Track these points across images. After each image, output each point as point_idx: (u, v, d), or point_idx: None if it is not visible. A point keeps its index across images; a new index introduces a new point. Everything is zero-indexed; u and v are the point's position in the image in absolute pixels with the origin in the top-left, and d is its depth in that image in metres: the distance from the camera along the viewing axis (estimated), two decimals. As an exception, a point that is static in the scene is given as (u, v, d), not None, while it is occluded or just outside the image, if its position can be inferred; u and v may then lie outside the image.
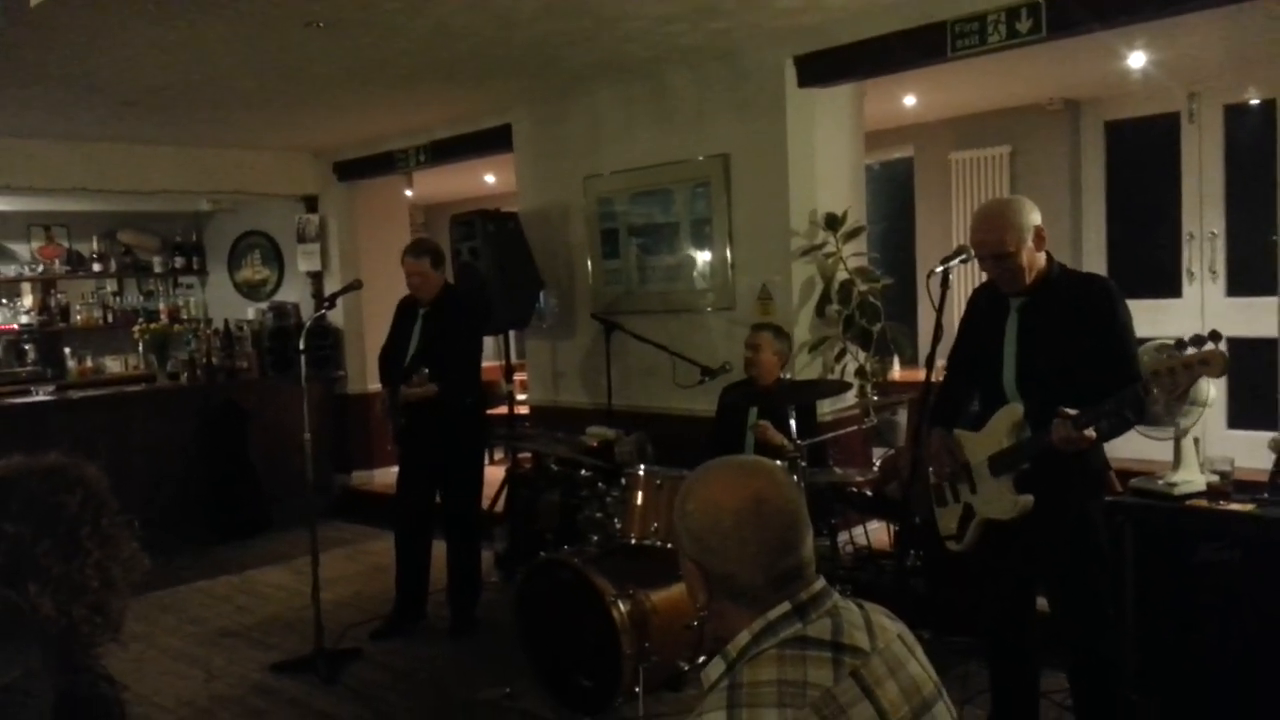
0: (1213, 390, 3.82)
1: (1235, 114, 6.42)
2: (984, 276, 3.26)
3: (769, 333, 4.70)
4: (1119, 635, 3.28)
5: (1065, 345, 3.03)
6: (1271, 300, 6.19)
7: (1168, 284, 6.64)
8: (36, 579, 1.52)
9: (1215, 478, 3.64)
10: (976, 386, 3.33)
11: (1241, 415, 6.17)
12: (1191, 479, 3.68)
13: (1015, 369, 3.11)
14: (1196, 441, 3.77)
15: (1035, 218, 3.06)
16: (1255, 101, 6.31)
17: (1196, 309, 6.58)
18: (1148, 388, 2.82)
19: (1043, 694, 3.44)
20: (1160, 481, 3.72)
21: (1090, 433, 2.87)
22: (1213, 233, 6.49)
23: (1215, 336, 2.79)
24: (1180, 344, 2.85)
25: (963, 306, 3.49)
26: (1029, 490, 3.07)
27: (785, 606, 1.46)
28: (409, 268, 4.95)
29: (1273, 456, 3.90)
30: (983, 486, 3.19)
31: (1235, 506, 3.51)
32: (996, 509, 3.14)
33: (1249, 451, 4.83)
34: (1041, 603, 3.29)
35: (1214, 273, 6.51)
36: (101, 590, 1.58)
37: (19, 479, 1.57)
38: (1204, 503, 3.59)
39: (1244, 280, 6.42)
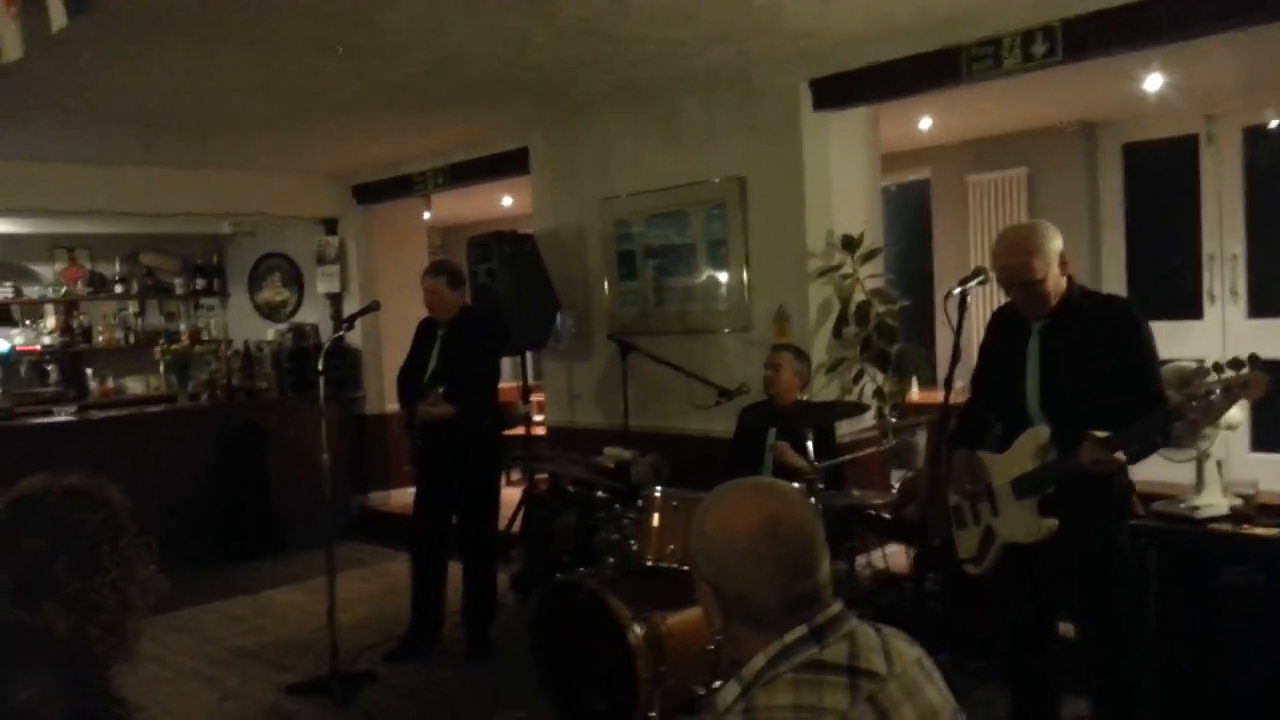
0: (1239, 413, 3.79)
1: (1253, 136, 6.39)
2: (1003, 298, 3.25)
3: (790, 353, 4.70)
4: (1143, 660, 3.24)
5: (1088, 367, 3.00)
6: (1294, 322, 6.14)
7: (1188, 306, 6.60)
8: (52, 596, 1.52)
9: (1238, 501, 3.60)
10: (997, 409, 3.31)
11: (1265, 438, 6.11)
12: (1214, 502, 3.63)
13: (1039, 391, 3.09)
14: (1219, 464, 3.73)
15: (1059, 242, 3.05)
16: (1274, 124, 6.28)
17: (1218, 331, 6.53)
18: (1181, 411, 2.75)
19: None
20: (1182, 505, 3.68)
21: (1120, 455, 2.84)
22: (1233, 254, 6.45)
23: (1255, 360, 2.71)
24: (1217, 367, 2.78)
25: (981, 328, 3.48)
26: (1053, 513, 3.03)
27: (802, 630, 1.45)
28: (425, 285, 4.98)
29: (1296, 480, 3.86)
30: (1005, 509, 3.14)
31: (1259, 530, 3.47)
32: (1020, 532, 3.09)
33: (1273, 475, 4.77)
34: (1064, 628, 3.25)
35: (1235, 294, 6.47)
36: (117, 611, 1.58)
37: (41, 496, 1.58)
38: (1227, 526, 3.55)
39: (1266, 301, 6.37)
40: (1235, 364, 2.72)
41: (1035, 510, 3.05)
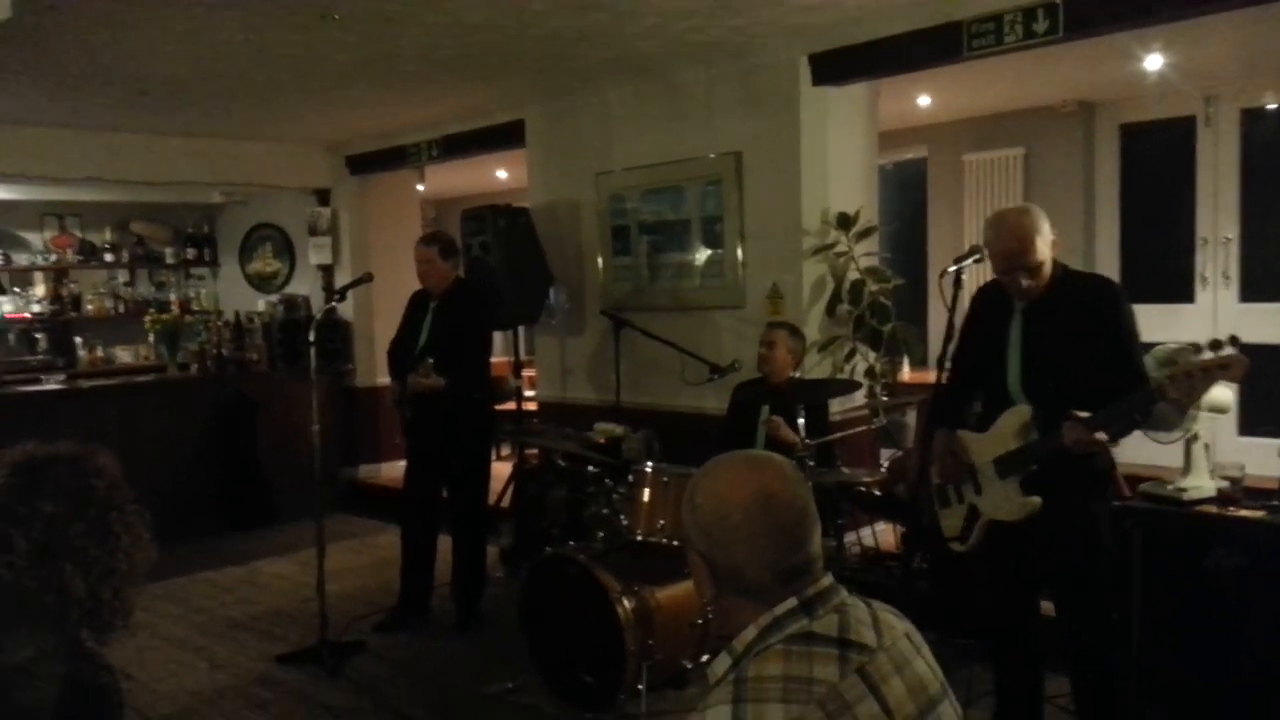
0: (1229, 397, 3.80)
1: (1251, 118, 6.38)
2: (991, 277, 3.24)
3: (785, 331, 4.71)
4: (1121, 637, 3.28)
5: (1070, 347, 3.02)
6: (1285, 307, 6.15)
7: (1181, 289, 6.61)
8: (72, 559, 1.53)
9: (1225, 484, 3.62)
10: (978, 388, 3.32)
11: (1253, 422, 6.13)
12: (1201, 485, 3.66)
13: (1020, 371, 3.11)
14: (1207, 447, 3.74)
15: (1049, 225, 3.07)
16: (1272, 106, 6.27)
17: (1209, 314, 6.54)
18: (1163, 392, 2.77)
19: (1047, 698, 3.42)
20: (1170, 487, 3.70)
21: (1102, 435, 2.86)
22: (1227, 238, 6.45)
23: (1234, 341, 2.74)
24: (1197, 348, 2.81)
25: None
26: (1035, 492, 3.06)
27: (792, 602, 1.45)
28: (418, 255, 4.97)
29: (1284, 463, 3.88)
30: (988, 488, 3.17)
31: (1245, 513, 3.49)
32: (1003, 511, 3.12)
33: (1260, 458, 4.78)
34: (1046, 606, 3.27)
35: (1227, 278, 6.47)
36: (126, 575, 1.60)
37: (49, 462, 1.59)
38: (1214, 509, 3.57)
39: (1258, 286, 6.38)
40: (1215, 345, 2.75)
41: (1018, 489, 3.08)
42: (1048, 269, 3.04)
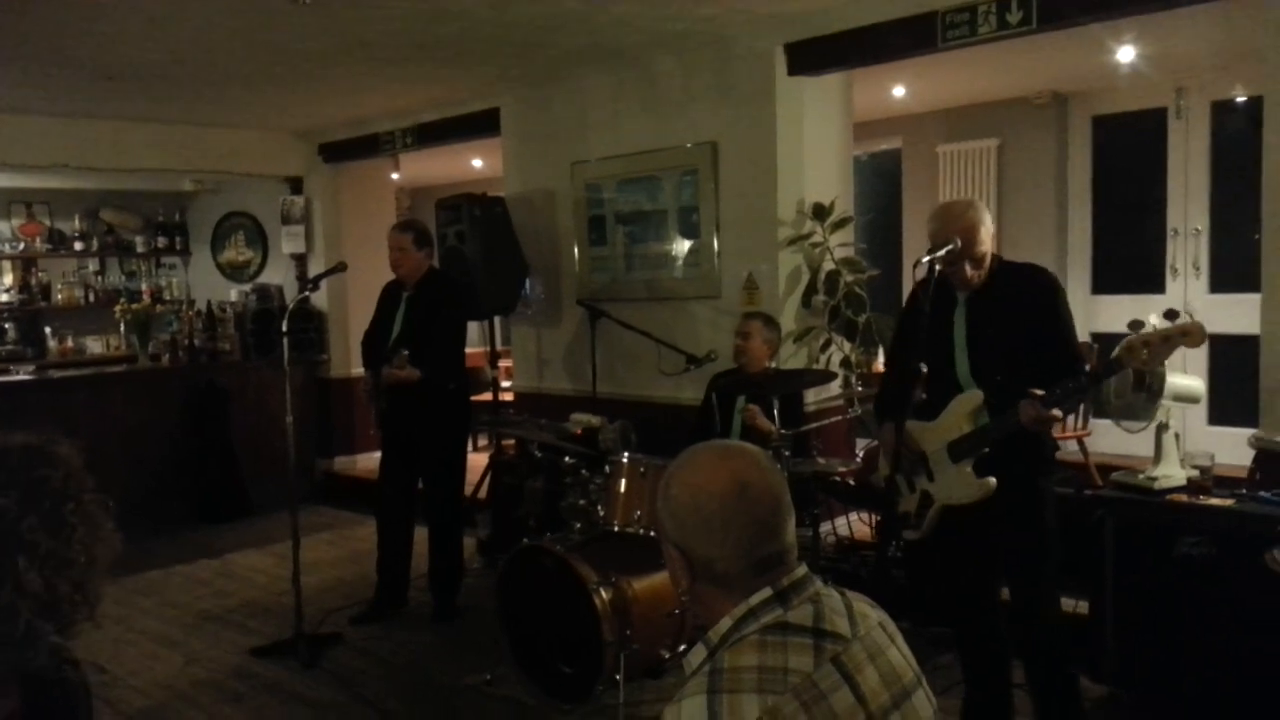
0: (1201, 386, 3.84)
1: (1222, 110, 6.44)
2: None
3: (760, 321, 4.72)
4: (1061, 612, 3.34)
5: (1012, 334, 3.11)
6: (1254, 297, 6.17)
7: (1151, 280, 6.67)
8: (25, 552, 1.50)
9: (1195, 473, 3.66)
10: (916, 377, 3.36)
11: (1222, 412, 6.21)
12: (1172, 474, 3.70)
13: (968, 358, 3.18)
14: (1177, 437, 3.79)
15: (990, 216, 3.18)
16: (1242, 98, 6.33)
17: (1180, 305, 6.57)
18: (1121, 361, 2.86)
19: (1017, 685, 3.44)
20: (1141, 476, 3.74)
21: (1056, 412, 2.96)
22: (1197, 229, 6.52)
23: (1172, 314, 2.81)
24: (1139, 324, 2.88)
25: None
26: (987, 474, 3.12)
27: (767, 592, 1.46)
28: (391, 241, 4.94)
29: (1252, 453, 3.93)
30: (941, 474, 3.23)
31: (1215, 501, 3.54)
32: (959, 494, 3.18)
33: (1230, 448, 4.86)
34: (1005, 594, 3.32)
35: (1197, 269, 6.54)
36: (85, 567, 1.57)
37: (1, 454, 1.56)
38: (1184, 497, 3.62)
39: (1227, 277, 6.45)
40: (1172, 314, 2.81)
41: (972, 471, 3.14)
42: (988, 260, 3.15)
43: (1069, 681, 3.23)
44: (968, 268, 3.12)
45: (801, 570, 1.50)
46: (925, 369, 3.27)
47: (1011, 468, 3.11)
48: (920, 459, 3.28)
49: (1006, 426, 3.04)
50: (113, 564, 1.63)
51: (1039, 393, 2.93)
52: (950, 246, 3.24)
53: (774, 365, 4.84)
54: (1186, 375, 3.93)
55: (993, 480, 3.10)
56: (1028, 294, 3.15)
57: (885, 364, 3.46)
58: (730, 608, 1.47)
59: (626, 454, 4.21)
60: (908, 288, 7.40)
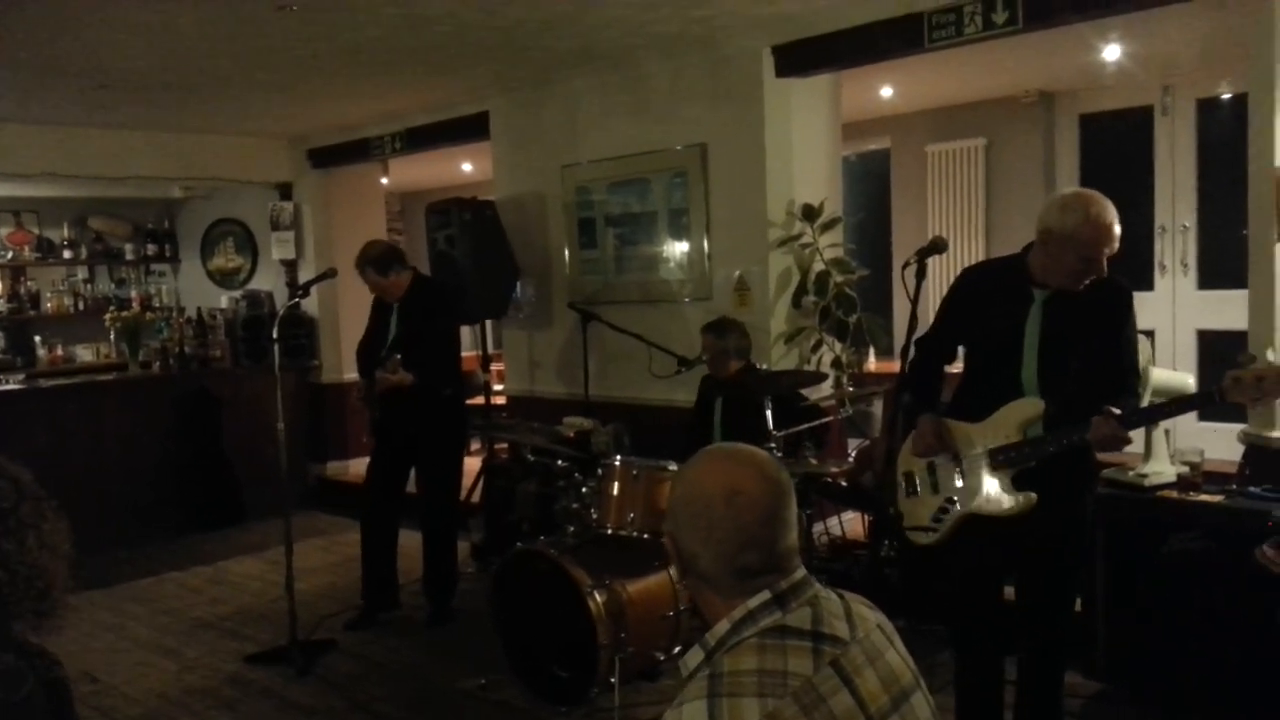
0: (1191, 381, 3.87)
1: (1208, 108, 6.48)
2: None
3: (710, 334, 4.77)
4: (1071, 617, 3.25)
5: (1087, 344, 2.92)
6: (1242, 293, 6.21)
7: (1140, 277, 6.70)
8: None
9: (1185, 469, 3.68)
10: (946, 369, 3.26)
11: (1212, 408, 6.23)
12: (1162, 470, 3.72)
13: (1037, 364, 2.96)
14: (1167, 434, 3.81)
15: None
16: (1227, 96, 6.37)
17: (1168, 301, 6.65)
18: (1224, 393, 2.64)
19: (1010, 682, 3.43)
20: (1131, 473, 3.77)
21: (1129, 434, 2.76)
22: (1184, 225, 6.56)
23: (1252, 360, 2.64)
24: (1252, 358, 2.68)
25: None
26: (1028, 487, 2.94)
27: (765, 595, 1.46)
28: (366, 281, 4.94)
29: (1242, 448, 3.96)
30: (973, 479, 3.04)
31: (1205, 497, 3.56)
32: (991, 504, 2.99)
33: (1219, 444, 4.89)
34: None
35: (1185, 265, 6.58)
36: (44, 570, 1.59)
37: None
38: (1174, 494, 3.64)
39: (1215, 273, 6.49)
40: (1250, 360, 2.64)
41: (1010, 482, 2.97)
42: None
43: (1059, 679, 3.15)
44: (1094, 273, 2.86)
45: (800, 574, 1.51)
46: (961, 363, 3.12)
47: (1054, 482, 2.93)
48: (954, 459, 3.08)
49: (1068, 442, 2.84)
50: (76, 568, 1.65)
51: (1117, 411, 2.72)
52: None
53: (764, 367, 4.85)
54: (1175, 371, 3.96)
55: (1033, 496, 2.92)
56: (1105, 305, 2.92)
57: (917, 345, 3.14)
58: (723, 609, 1.48)
59: (619, 457, 4.22)
60: (898, 288, 7.42)
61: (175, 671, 4.61)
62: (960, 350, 3.32)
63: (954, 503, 3.10)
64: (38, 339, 8.49)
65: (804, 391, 5.00)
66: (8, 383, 7.05)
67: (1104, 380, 2.86)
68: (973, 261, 7.23)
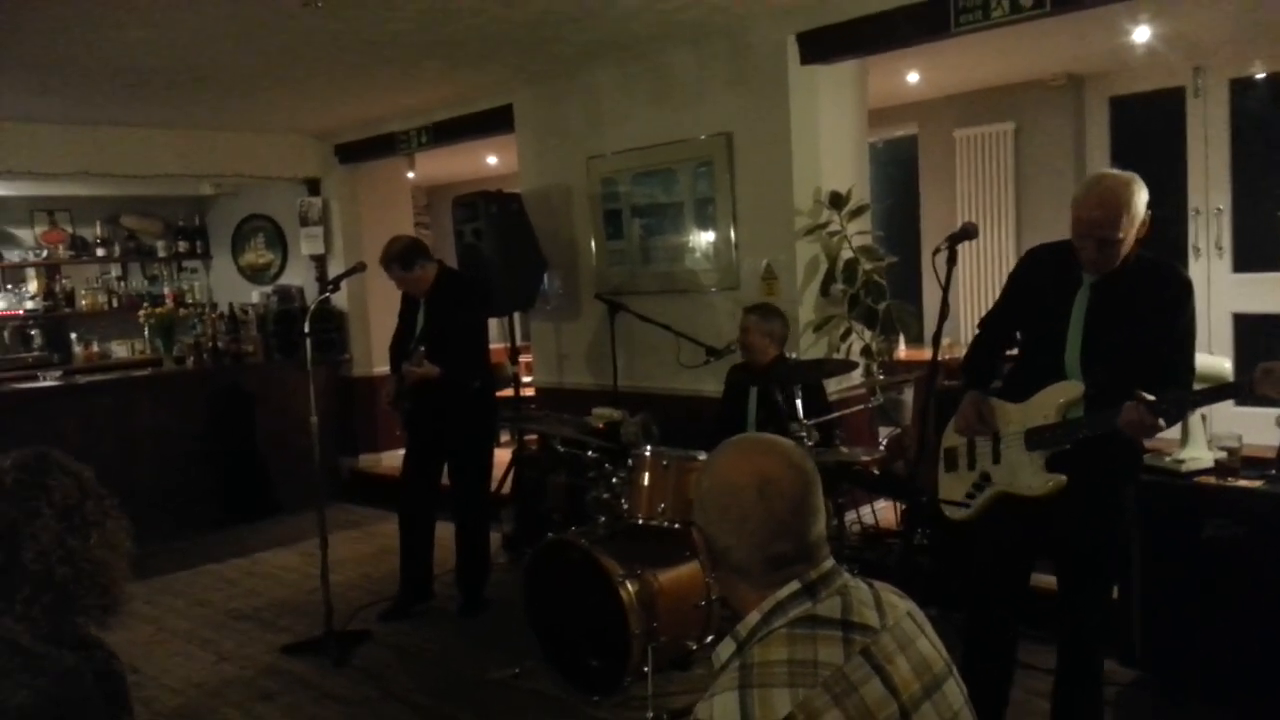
0: (1228, 366, 3.81)
1: (1241, 88, 6.37)
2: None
3: (755, 315, 4.70)
4: (1108, 606, 3.22)
5: (1134, 331, 2.89)
6: (1278, 275, 6.16)
7: (1174, 260, 6.61)
8: (64, 561, 1.59)
9: (1223, 454, 3.64)
10: (1006, 349, 3.25)
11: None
12: (1199, 456, 3.68)
13: (1080, 347, 2.96)
14: (1204, 418, 3.76)
15: (1145, 199, 2.88)
16: (1261, 76, 6.27)
17: (1203, 285, 6.56)
18: (1255, 385, 2.62)
19: (1024, 665, 3.38)
20: (1168, 458, 3.72)
21: (1162, 421, 2.72)
22: (1219, 208, 6.46)
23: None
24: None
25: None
26: (1063, 470, 2.94)
27: (794, 585, 1.47)
28: (392, 277, 4.98)
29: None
30: (1010, 458, 3.06)
31: (1243, 483, 3.52)
32: (1022, 484, 3.02)
33: (1257, 428, 4.81)
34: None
35: (1220, 248, 6.49)
36: (106, 570, 1.64)
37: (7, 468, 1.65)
38: (1212, 479, 3.60)
39: (1250, 256, 6.40)
40: None
41: (1043, 464, 2.97)
42: (1125, 248, 2.88)
43: (1098, 670, 3.10)
44: (1093, 249, 2.86)
45: (829, 563, 1.51)
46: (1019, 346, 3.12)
47: (1093, 468, 2.92)
48: (993, 437, 3.10)
49: (1101, 425, 2.82)
50: (136, 565, 1.70)
51: (1149, 397, 2.67)
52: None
53: (793, 355, 4.84)
54: (1212, 355, 3.90)
55: (1062, 478, 2.93)
56: (1156, 292, 2.87)
57: (980, 323, 3.19)
58: (754, 599, 1.48)
59: (649, 447, 4.23)
60: (927, 274, 7.36)
61: (213, 662, 4.68)
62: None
63: (988, 480, 3.13)
64: (73, 336, 8.61)
65: (834, 380, 4.99)
66: (45, 379, 7.17)
67: (1148, 369, 2.82)
68: (1001, 248, 7.23)
